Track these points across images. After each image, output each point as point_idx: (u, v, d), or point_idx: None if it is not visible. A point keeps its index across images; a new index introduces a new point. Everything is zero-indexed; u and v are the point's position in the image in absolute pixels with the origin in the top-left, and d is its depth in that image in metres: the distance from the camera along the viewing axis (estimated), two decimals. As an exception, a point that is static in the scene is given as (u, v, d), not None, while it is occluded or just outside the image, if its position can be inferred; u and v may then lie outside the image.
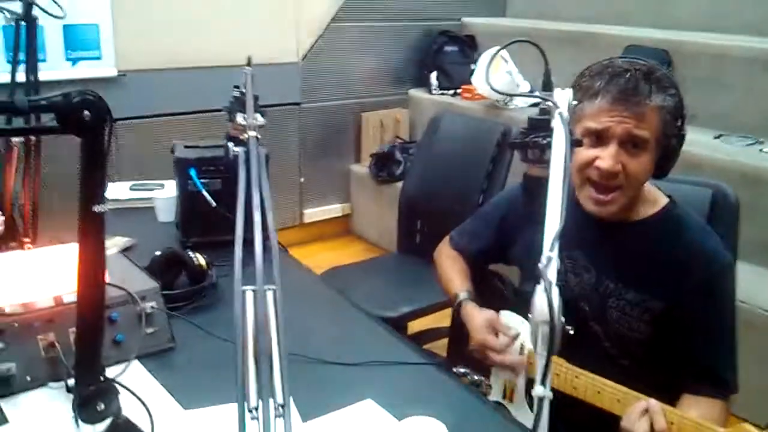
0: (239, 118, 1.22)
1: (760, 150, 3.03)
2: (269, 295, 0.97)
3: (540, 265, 0.75)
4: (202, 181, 1.91)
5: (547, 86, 1.13)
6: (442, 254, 1.81)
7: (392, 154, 3.91)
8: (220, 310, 1.63)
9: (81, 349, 1.07)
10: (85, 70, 3.24)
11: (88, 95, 0.95)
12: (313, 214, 4.17)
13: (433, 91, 4.21)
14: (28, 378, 1.26)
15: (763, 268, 2.79)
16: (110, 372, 1.30)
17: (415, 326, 2.67)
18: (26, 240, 1.89)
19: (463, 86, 4.08)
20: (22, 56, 2.00)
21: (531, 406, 1.44)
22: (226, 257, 1.83)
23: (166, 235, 2.02)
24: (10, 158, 1.94)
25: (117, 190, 2.35)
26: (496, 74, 3.61)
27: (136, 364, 1.37)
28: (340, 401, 1.29)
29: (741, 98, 3.26)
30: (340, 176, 4.24)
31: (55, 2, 2.05)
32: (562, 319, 0.72)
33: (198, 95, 3.38)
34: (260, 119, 1.23)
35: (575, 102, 1.29)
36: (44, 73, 3.02)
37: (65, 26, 3.15)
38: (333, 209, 4.27)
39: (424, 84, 4.28)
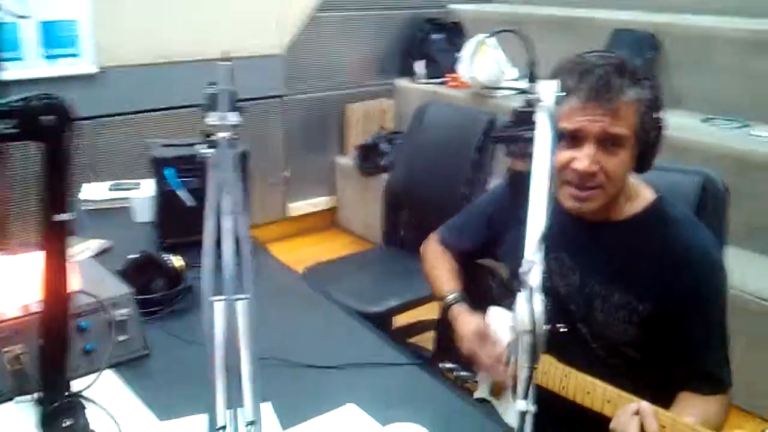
0: (210, 117, 1.15)
1: (749, 133, 2.99)
2: (240, 306, 0.92)
3: (521, 271, 0.71)
4: (180, 180, 1.85)
5: (533, 77, 1.08)
6: (429, 250, 1.76)
7: (377, 146, 3.86)
8: (198, 313, 1.57)
9: (45, 364, 1.02)
10: (64, 67, 3.16)
11: (49, 98, 0.90)
12: (299, 207, 4.11)
13: (419, 81, 4.15)
14: (-6, 392, 1.21)
15: (751, 252, 2.77)
16: (81, 383, 1.26)
17: (401, 319, 2.64)
18: (-4, 245, 1.83)
19: (449, 75, 4.03)
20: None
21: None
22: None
23: (144, 236, 1.97)
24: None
25: (94, 191, 2.28)
26: (482, 62, 3.56)
27: (108, 374, 1.32)
28: (321, 406, 1.25)
29: (729, 80, 3.23)
30: (324, 169, 4.18)
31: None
32: (545, 327, 0.67)
33: (180, 90, 3.31)
34: (234, 118, 1.16)
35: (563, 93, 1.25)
36: (21, 72, 2.97)
37: (43, 23, 3.06)
38: (318, 202, 4.21)
39: (410, 73, 4.23)
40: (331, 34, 3.99)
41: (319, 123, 4.07)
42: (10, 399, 1.22)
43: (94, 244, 1.89)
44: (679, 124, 3.16)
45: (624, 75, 1.23)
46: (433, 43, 4.17)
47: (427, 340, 1.93)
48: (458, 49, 3.88)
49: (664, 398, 1.26)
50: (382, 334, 1.57)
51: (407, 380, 1.36)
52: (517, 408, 0.62)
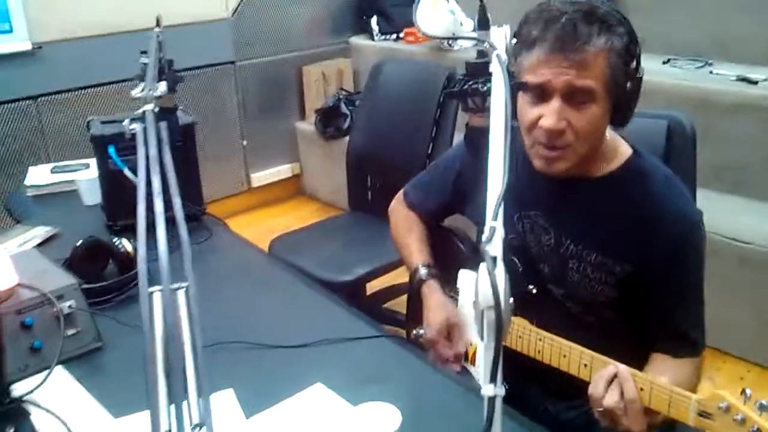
0: (135, 90, 1.06)
1: (710, 72, 2.96)
2: (180, 294, 0.84)
3: (483, 240, 0.64)
4: (124, 158, 1.74)
5: (484, 24, 1.01)
6: (397, 214, 1.68)
7: (338, 108, 3.74)
8: (154, 298, 1.49)
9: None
10: (-5, 46, 2.98)
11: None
12: (261, 177, 3.99)
13: (375, 37, 4.02)
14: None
15: (717, 193, 2.75)
16: (29, 383, 1.18)
17: (375, 284, 2.58)
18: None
19: (405, 29, 3.91)
20: None
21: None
22: (155, 241, 1.69)
23: (93, 220, 1.87)
24: None
25: (37, 175, 2.16)
26: (437, 14, 3.45)
27: (59, 371, 1.24)
28: (288, 389, 1.19)
29: (688, 20, 3.18)
30: (285, 135, 4.05)
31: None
32: (511, 301, 0.61)
33: (123, 63, 3.12)
34: (161, 89, 1.07)
35: (519, 48, 1.16)
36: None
37: (-33, -1, 2.87)
38: (281, 171, 4.09)
39: (366, 30, 4.09)
40: (279, -6, 3.84)
41: (275, 88, 3.92)
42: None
43: (40, 232, 1.79)
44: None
45: (593, 22, 1.12)
46: (386, -4, 4.04)
47: (401, 304, 1.87)
48: (413, 3, 3.75)
49: (639, 355, 1.23)
50: (352, 307, 1.51)
51: (379, 354, 1.31)
52: (484, 393, 0.56)
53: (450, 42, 3.57)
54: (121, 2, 3.20)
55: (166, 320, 0.79)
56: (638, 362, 1.14)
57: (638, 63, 1.17)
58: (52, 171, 2.18)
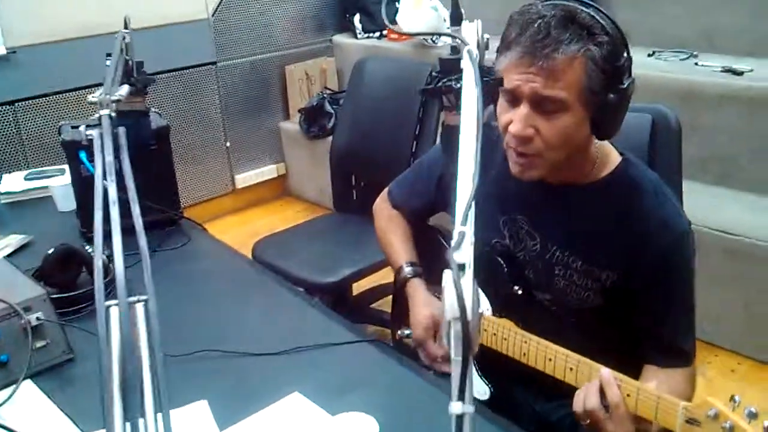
0: (93, 95, 1.02)
1: (695, 63, 2.93)
2: (139, 308, 0.81)
3: (451, 246, 0.61)
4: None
5: (456, 20, 0.97)
6: (381, 214, 1.65)
7: (321, 107, 3.70)
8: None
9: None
10: (-32, 51, 2.92)
11: None
12: (246, 178, 3.93)
13: (359, 36, 3.98)
14: None
15: (703, 185, 2.74)
16: (-4, 399, 1.14)
17: (363, 284, 2.55)
18: None
19: (389, 27, 3.87)
20: None
21: (479, 369, 1.35)
22: (132, 246, 1.65)
23: (67, 226, 1.82)
24: None
25: (11, 182, 2.11)
26: (420, 11, 3.41)
27: (27, 385, 1.20)
28: (264, 399, 1.15)
29: (674, 12, 3.15)
30: (269, 136, 4.00)
31: None
32: (482, 311, 0.58)
33: (101, 66, 3.08)
34: (121, 92, 1.03)
35: (499, 49, 1.13)
36: None
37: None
38: (266, 171, 4.04)
39: (349, 28, 4.05)
40: (259, -7, 3.79)
41: (258, 88, 3.87)
42: None
43: (13, 240, 1.75)
44: (626, 59, 3.08)
45: (570, 27, 1.06)
46: (369, -6, 3.99)
47: (388, 304, 1.84)
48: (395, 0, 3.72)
49: (628, 362, 1.19)
50: (333, 311, 1.47)
51: (359, 360, 1.27)
52: (452, 411, 0.52)
53: (434, 39, 3.53)
54: (98, 5, 3.14)
55: (123, 335, 0.75)
56: (627, 368, 1.11)
57: (624, 73, 1.11)
58: (26, 178, 2.13)
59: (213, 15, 3.58)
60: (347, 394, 1.15)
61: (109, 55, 1.34)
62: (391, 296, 1.72)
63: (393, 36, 3.82)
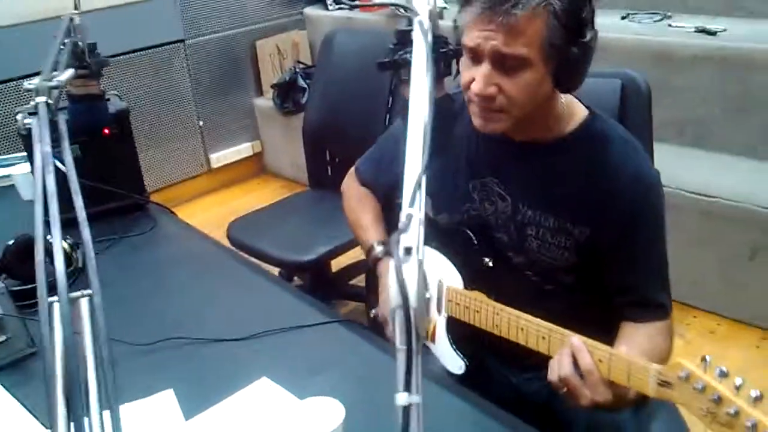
0: (30, 82, 0.97)
1: (669, 25, 2.90)
2: (83, 303, 0.78)
3: (399, 228, 0.58)
4: (56, 149, 1.65)
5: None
6: (350, 193, 1.62)
7: (295, 82, 3.64)
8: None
9: None
10: None
11: None
12: (221, 157, 3.87)
13: (330, 7, 3.90)
14: None
15: (679, 148, 2.73)
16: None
17: (342, 261, 2.53)
18: None
19: (362, -3, 3.80)
20: None
21: (453, 344, 1.34)
22: (96, 233, 1.61)
23: (31, 215, 1.77)
24: None
25: (-27, 171, 2.06)
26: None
27: (-12, 382, 1.17)
28: (232, 385, 1.14)
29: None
30: (243, 113, 3.93)
31: None
32: (428, 295, 0.55)
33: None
34: (63, 76, 0.98)
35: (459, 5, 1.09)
36: None
37: None
38: (241, 149, 3.97)
39: (320, 0, 3.97)
40: (226, -34, 3.68)
41: (229, 64, 3.79)
42: None
43: (-25, 232, 1.70)
44: (599, 23, 3.03)
45: None
46: (340, -37, 3.91)
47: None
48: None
49: (603, 324, 1.18)
50: (303, 292, 1.45)
51: (330, 341, 1.25)
52: (397, 402, 0.50)
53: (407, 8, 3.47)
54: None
55: (65, 331, 0.72)
56: (602, 331, 1.10)
57: (586, 26, 1.09)
58: (-14, 166, 2.08)
59: (179, -10, 3.49)
60: (316, 376, 1.13)
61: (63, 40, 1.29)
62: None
63: (366, 7, 3.75)
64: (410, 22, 1.01)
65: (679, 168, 2.56)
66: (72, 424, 0.67)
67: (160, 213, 1.78)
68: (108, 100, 1.68)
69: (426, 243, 1.40)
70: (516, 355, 1.27)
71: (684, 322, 2.46)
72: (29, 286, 1.39)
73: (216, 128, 3.81)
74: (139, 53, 3.37)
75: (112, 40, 3.25)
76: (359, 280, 2.69)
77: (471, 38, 1.07)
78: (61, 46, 1.25)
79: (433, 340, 1.39)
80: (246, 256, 2.35)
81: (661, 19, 2.99)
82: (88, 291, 0.78)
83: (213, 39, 3.68)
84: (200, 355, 1.23)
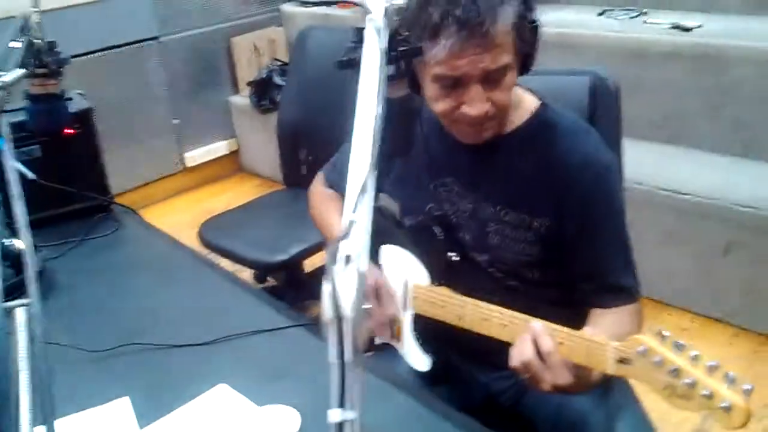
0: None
1: (644, 21, 2.90)
2: (19, 314, 0.75)
3: (338, 236, 0.56)
4: (17, 150, 1.61)
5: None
6: (316, 194, 1.60)
7: (271, 79, 3.60)
8: (51, 302, 1.39)
9: None
10: None
11: None
12: (196, 156, 3.82)
13: (308, 3, 3.87)
14: None
15: (655, 144, 2.73)
16: None
17: (316, 261, 2.50)
18: None
19: (340, -7, 3.77)
20: None
21: (419, 343, 1.32)
22: (56, 236, 1.58)
23: (-8, 218, 1.73)
24: None
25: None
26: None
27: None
28: (190, 392, 1.11)
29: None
30: (219, 111, 3.88)
31: None
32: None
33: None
34: (8, 77, 0.95)
35: (419, 32, 1.08)
36: None
37: None
38: (217, 148, 3.92)
39: (299, -5, 3.94)
40: (201, -38, 3.63)
41: (205, 62, 3.74)
42: None
43: (-66, 236, 1.66)
44: (576, 20, 3.04)
45: None
46: (317, -41, 3.88)
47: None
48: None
49: (569, 321, 1.17)
50: (267, 295, 1.43)
51: (291, 346, 1.23)
52: (330, 419, 0.48)
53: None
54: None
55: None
56: (568, 323, 1.10)
57: (535, 8, 1.12)
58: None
59: (152, -12, 3.44)
60: (278, 382, 1.11)
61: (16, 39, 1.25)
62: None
63: (343, 3, 3.72)
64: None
65: (654, 165, 2.57)
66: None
67: (124, 214, 1.75)
68: (70, 99, 1.64)
69: (393, 242, 1.40)
70: (484, 353, 1.27)
71: (658, 319, 2.46)
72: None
73: (191, 126, 3.76)
74: (112, 51, 3.32)
75: (85, 38, 3.23)
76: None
77: (453, 68, 1.07)
78: (14, 45, 1.21)
79: (399, 339, 1.38)
80: (214, 257, 2.34)
81: (638, 15, 2.99)
82: (26, 300, 0.75)
83: (188, 36, 3.63)
84: (159, 362, 1.20)
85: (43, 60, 1.43)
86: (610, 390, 1.30)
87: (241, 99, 3.84)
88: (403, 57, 0.99)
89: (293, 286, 2.55)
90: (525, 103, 1.24)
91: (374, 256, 1.39)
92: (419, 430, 1.06)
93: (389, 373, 1.19)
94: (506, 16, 1.06)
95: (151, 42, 3.48)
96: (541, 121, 1.23)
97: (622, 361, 0.95)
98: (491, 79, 1.10)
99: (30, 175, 1.59)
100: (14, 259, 1.46)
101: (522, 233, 1.23)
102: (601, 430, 1.26)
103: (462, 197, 1.29)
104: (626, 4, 3.09)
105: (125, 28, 3.36)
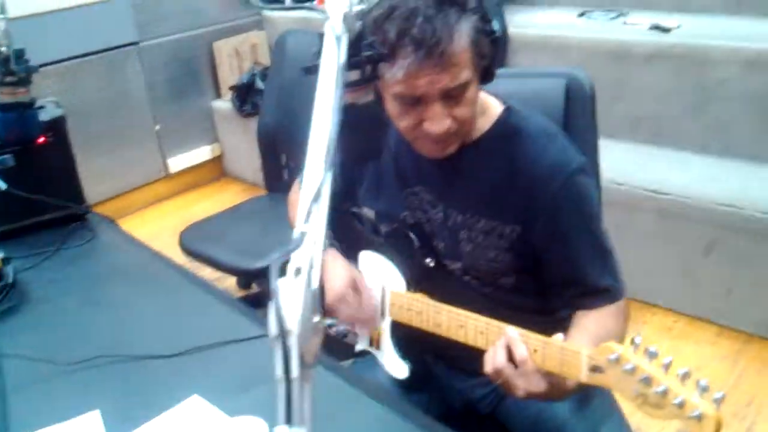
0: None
1: (624, 22, 2.91)
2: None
3: (289, 247, 0.55)
4: (-5, 158, 1.60)
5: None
6: (292, 202, 1.60)
7: (253, 84, 3.59)
8: (23, 314, 1.37)
9: None
10: None
11: None
12: (180, 162, 3.79)
13: (289, 6, 3.85)
14: None
15: (635, 145, 2.74)
16: None
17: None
18: None
19: (320, -3, 3.76)
20: None
21: (398, 350, 1.31)
22: (30, 247, 1.56)
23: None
24: None
25: None
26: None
27: None
28: (162, 404, 1.09)
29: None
30: (201, 116, 3.86)
31: None
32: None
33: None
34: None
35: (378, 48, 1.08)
36: None
37: None
38: (200, 153, 3.90)
39: (278, 0, 3.92)
40: (182, -35, 3.61)
41: (186, 67, 3.71)
42: None
43: None
44: (556, 22, 3.05)
45: (447, 9, 1.04)
46: (297, -37, 3.86)
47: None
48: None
49: (546, 323, 1.17)
50: (243, 304, 1.41)
51: (265, 355, 1.21)
52: (275, 438, 0.47)
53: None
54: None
55: None
56: (544, 330, 1.09)
57: (491, 20, 1.11)
58: None
59: (131, -7, 3.41)
60: (249, 392, 1.10)
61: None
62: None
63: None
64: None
65: (635, 165, 2.57)
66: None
67: (100, 223, 1.73)
68: (42, 107, 1.62)
69: (373, 249, 1.39)
70: (462, 360, 1.27)
71: (642, 320, 2.47)
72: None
73: (173, 132, 3.73)
74: (91, 57, 3.29)
75: (63, 44, 3.20)
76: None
77: (412, 87, 1.07)
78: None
79: (378, 347, 1.37)
80: (196, 265, 2.32)
81: (617, 16, 3.00)
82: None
83: (168, 41, 3.61)
84: (131, 374, 1.18)
85: (11, 68, 1.42)
86: (591, 397, 1.29)
87: (224, 104, 3.82)
88: (368, 62, 0.99)
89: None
90: (490, 109, 1.23)
91: (354, 262, 1.39)
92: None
93: (364, 381, 1.17)
94: (463, 34, 1.05)
95: (130, 47, 3.45)
96: (505, 127, 1.22)
97: (594, 369, 0.95)
98: (451, 96, 1.09)
99: (1, 185, 1.57)
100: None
101: (494, 240, 1.22)
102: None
103: (432, 206, 1.28)
104: (606, 5, 3.10)
105: (105, 33, 3.33)
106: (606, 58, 2.74)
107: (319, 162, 0.64)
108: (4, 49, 1.37)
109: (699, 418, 0.83)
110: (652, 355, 0.89)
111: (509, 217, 1.20)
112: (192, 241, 2.33)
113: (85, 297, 1.43)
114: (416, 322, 1.25)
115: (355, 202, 1.50)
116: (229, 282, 2.82)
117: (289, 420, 0.48)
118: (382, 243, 1.36)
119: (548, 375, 1.02)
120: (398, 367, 1.33)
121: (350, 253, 1.42)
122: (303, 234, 0.57)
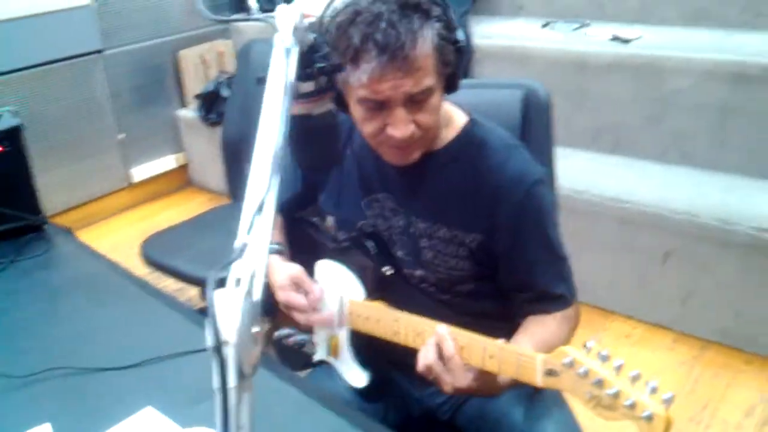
0: None
1: (585, 33, 2.96)
2: None
3: (230, 259, 0.55)
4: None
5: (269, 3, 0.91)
6: None
7: (218, 92, 3.57)
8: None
9: None
10: None
11: None
12: (143, 171, 3.76)
13: (255, 15, 3.84)
14: None
15: (597, 155, 2.79)
16: None
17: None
18: None
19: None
20: None
21: (356, 359, 1.32)
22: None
23: None
24: None
25: None
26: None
27: None
28: (115, 416, 1.08)
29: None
30: (166, 125, 3.83)
31: None
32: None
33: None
34: None
35: (341, 55, 1.08)
36: None
37: None
38: (165, 162, 3.87)
39: (244, 8, 3.90)
40: (144, -26, 3.58)
41: (151, 75, 3.69)
42: None
43: None
44: (519, 33, 3.09)
45: (410, 14, 1.05)
46: (263, -29, 3.85)
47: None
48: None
49: (505, 328, 1.19)
50: (200, 316, 1.39)
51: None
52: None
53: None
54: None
55: None
56: (504, 335, 1.11)
57: (456, 28, 1.12)
58: None
59: (95, 1, 3.37)
60: (202, 404, 1.08)
61: None
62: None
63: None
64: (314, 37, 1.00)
65: (596, 174, 2.61)
66: None
67: (57, 234, 1.70)
68: (-1, 116, 1.60)
69: (330, 258, 1.39)
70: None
71: (601, 328, 2.50)
72: None
73: (138, 141, 3.70)
74: (53, 65, 3.25)
75: (25, 52, 3.15)
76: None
77: (375, 92, 1.08)
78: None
79: (337, 357, 1.37)
80: (158, 276, 2.29)
81: (580, 27, 3.05)
82: None
83: (133, 49, 3.58)
84: (84, 386, 1.17)
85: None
86: (551, 407, 1.31)
87: (189, 112, 3.80)
88: (321, 74, 1.00)
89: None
90: (454, 119, 1.26)
91: (310, 271, 1.39)
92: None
93: (320, 391, 1.17)
94: (426, 40, 1.07)
95: (94, 55, 3.42)
96: (469, 138, 1.24)
97: (549, 372, 0.97)
98: (415, 101, 1.11)
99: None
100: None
101: (454, 248, 1.24)
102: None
103: (394, 213, 1.29)
104: (569, 16, 3.15)
105: (68, 41, 3.29)
106: (567, 68, 2.79)
107: (264, 174, 0.64)
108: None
109: (649, 418, 0.85)
110: (605, 359, 0.91)
111: (471, 226, 1.21)
112: (153, 251, 2.31)
113: (40, 309, 1.41)
114: (375, 330, 1.25)
115: (316, 209, 1.51)
116: (193, 292, 2.80)
117: (225, 430, 0.48)
118: (341, 251, 1.37)
119: (476, 371, 1.05)
120: (357, 377, 1.33)
121: (309, 262, 1.42)
122: (244, 245, 0.57)
